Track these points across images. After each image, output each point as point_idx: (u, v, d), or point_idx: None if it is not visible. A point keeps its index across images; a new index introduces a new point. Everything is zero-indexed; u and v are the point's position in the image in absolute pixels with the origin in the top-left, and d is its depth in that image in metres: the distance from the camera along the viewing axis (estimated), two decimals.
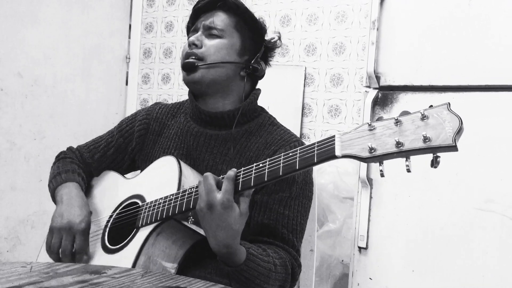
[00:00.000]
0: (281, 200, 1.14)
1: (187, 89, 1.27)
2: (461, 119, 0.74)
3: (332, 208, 2.15)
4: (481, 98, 1.51)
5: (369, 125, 0.81)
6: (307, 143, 0.93)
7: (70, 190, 1.25)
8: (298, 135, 2.30)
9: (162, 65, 3.16)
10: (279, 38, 1.28)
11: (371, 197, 1.68)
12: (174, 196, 1.05)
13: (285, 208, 1.14)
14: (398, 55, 1.65)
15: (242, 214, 0.96)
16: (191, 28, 1.27)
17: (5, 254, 2.63)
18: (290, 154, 0.90)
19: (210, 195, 0.95)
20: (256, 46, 1.24)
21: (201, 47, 1.19)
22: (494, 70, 1.50)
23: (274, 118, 1.28)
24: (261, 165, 0.94)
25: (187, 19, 1.31)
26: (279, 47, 1.29)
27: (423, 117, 0.77)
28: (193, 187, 1.02)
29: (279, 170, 0.90)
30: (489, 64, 1.50)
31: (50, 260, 1.21)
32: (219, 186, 0.96)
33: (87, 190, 1.35)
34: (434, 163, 0.75)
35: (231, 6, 1.22)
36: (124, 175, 1.33)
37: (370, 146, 0.79)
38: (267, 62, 1.29)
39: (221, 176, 0.98)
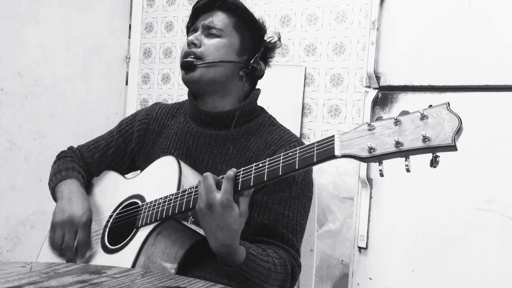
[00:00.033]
0: (281, 200, 1.14)
1: (187, 89, 1.27)
2: (460, 119, 0.74)
3: (332, 208, 2.15)
4: (481, 98, 1.51)
5: (369, 125, 0.81)
6: (307, 143, 0.93)
7: (70, 186, 1.25)
8: (298, 135, 2.30)
9: (162, 65, 3.16)
10: (279, 39, 1.28)
11: (371, 197, 1.68)
12: (173, 196, 1.05)
13: (285, 208, 1.14)
14: (398, 55, 1.65)
15: (242, 214, 0.96)
16: (190, 28, 1.27)
17: (5, 254, 2.63)
18: (290, 154, 0.90)
19: (209, 195, 0.95)
20: (255, 46, 1.24)
21: (200, 47, 1.20)
22: (494, 70, 1.50)
23: (274, 118, 1.28)
24: (260, 165, 0.94)
25: (187, 19, 1.31)
26: (278, 47, 1.29)
27: (423, 117, 0.77)
28: (193, 187, 1.02)
29: (279, 170, 0.90)
30: (489, 64, 1.50)
31: (50, 260, 1.22)
32: (218, 186, 0.96)
33: (87, 189, 1.35)
34: (434, 162, 0.75)
35: (230, 6, 1.22)
36: (124, 175, 1.34)
37: (369, 146, 0.79)
38: (266, 62, 1.29)
39: (221, 176, 0.98)
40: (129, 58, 3.23)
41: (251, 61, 1.22)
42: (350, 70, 2.54)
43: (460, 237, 1.53)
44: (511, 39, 1.48)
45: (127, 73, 3.24)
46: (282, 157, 0.91)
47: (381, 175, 0.79)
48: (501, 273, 1.47)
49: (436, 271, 1.56)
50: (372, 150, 0.79)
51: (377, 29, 1.67)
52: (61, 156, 1.40)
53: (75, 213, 1.17)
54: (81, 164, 1.37)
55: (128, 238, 1.10)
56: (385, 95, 1.66)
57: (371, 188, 1.67)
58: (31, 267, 0.84)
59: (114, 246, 1.13)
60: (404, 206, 1.62)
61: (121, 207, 1.20)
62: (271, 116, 1.28)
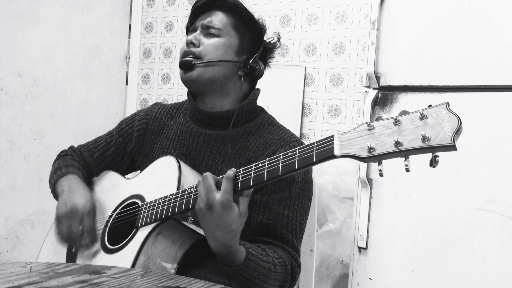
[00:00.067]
0: (280, 200, 1.14)
1: (187, 89, 1.27)
2: (460, 119, 0.74)
3: (332, 208, 2.15)
4: (481, 98, 1.51)
5: (368, 124, 0.81)
6: (306, 143, 0.93)
7: (71, 180, 1.26)
8: (298, 135, 2.30)
9: (162, 65, 3.16)
10: (279, 39, 1.28)
11: (371, 197, 1.68)
12: (173, 196, 1.05)
13: (284, 208, 1.14)
14: (398, 55, 1.65)
15: (242, 214, 0.96)
16: (190, 28, 1.27)
17: (5, 254, 2.63)
18: (289, 154, 0.90)
19: (209, 195, 0.95)
20: (254, 46, 1.24)
21: (198, 46, 1.20)
22: (494, 70, 1.50)
23: (274, 118, 1.28)
24: (260, 165, 0.94)
25: (187, 19, 1.31)
26: (278, 47, 1.29)
27: (422, 117, 0.77)
28: (193, 187, 1.02)
29: (278, 169, 0.90)
30: (489, 64, 1.50)
31: (54, 256, 1.22)
32: (218, 186, 0.96)
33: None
34: (433, 162, 0.75)
35: (229, 6, 1.22)
36: (124, 175, 1.34)
37: (369, 146, 0.79)
38: (266, 62, 1.29)
39: (221, 176, 0.98)
40: (129, 58, 3.23)
41: (250, 61, 1.22)
42: (350, 70, 2.54)
43: (460, 237, 1.53)
44: (511, 39, 1.48)
45: (127, 73, 3.24)
46: (281, 157, 0.91)
47: (381, 175, 0.79)
48: (501, 273, 1.47)
49: (436, 271, 1.56)
50: (371, 150, 0.79)
51: (377, 29, 1.67)
52: (62, 155, 1.40)
53: (78, 203, 1.17)
54: (81, 163, 1.37)
55: (128, 238, 1.10)
56: (385, 95, 1.66)
57: (371, 188, 1.67)
58: (31, 267, 0.84)
59: (114, 246, 1.13)
60: (404, 206, 1.62)
61: (121, 207, 1.20)
62: (270, 116, 1.28)
